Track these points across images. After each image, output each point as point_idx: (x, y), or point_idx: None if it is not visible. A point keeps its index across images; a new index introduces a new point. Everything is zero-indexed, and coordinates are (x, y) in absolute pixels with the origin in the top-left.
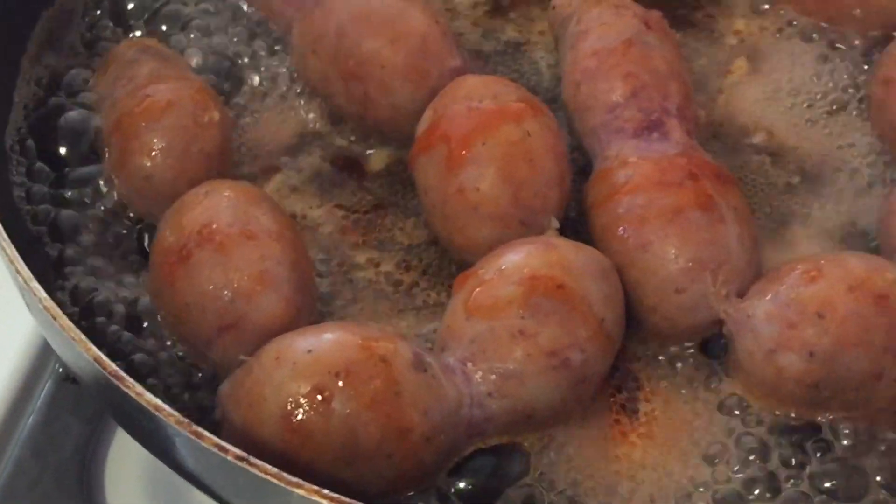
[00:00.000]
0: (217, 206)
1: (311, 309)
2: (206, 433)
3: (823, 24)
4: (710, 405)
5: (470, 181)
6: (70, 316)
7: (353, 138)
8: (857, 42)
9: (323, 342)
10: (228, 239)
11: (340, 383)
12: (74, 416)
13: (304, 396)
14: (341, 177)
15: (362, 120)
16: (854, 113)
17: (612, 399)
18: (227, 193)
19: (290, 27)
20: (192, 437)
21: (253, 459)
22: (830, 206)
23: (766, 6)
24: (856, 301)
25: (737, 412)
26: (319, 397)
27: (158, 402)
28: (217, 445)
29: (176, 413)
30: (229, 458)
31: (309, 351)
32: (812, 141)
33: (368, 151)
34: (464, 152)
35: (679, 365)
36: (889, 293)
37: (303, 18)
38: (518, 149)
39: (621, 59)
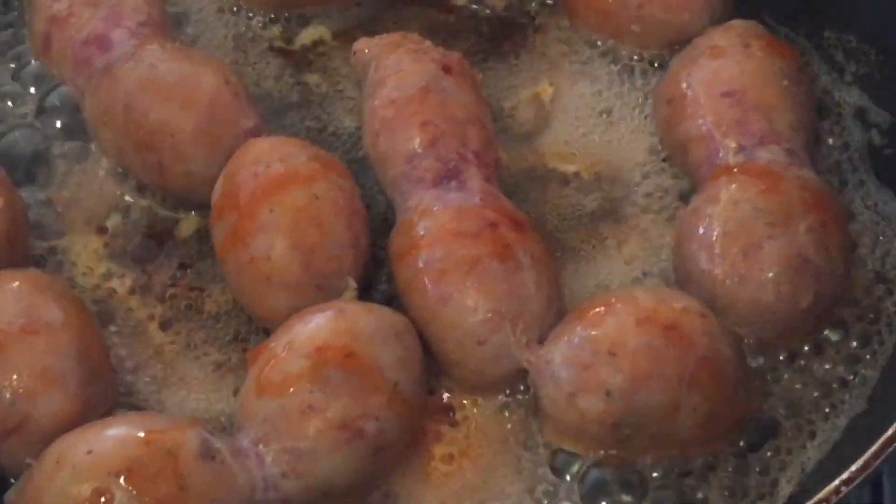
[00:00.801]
0: None
1: (105, 398)
2: None
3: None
4: (531, 455)
5: (260, 251)
6: None
7: (160, 205)
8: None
9: (104, 440)
10: (7, 337)
11: (122, 483)
12: None
13: (85, 502)
14: (150, 245)
15: (163, 189)
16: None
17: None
18: (10, 286)
19: (83, 97)
20: None
21: None
22: (647, 229)
23: (567, 25)
24: (645, 334)
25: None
26: (101, 501)
27: None
28: None
29: None
30: None
31: (89, 452)
32: (621, 162)
33: (181, 216)
34: (252, 221)
35: (503, 414)
36: (677, 323)
37: (92, 89)
38: (306, 213)
39: (419, 108)
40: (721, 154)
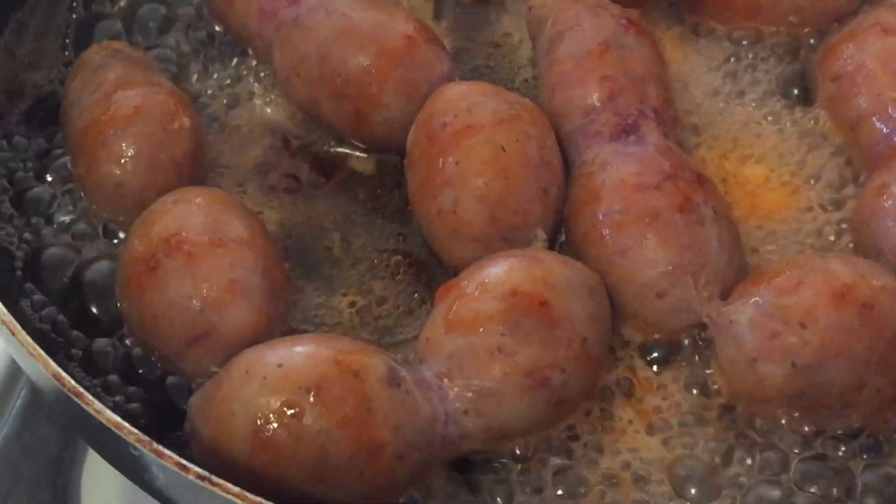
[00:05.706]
0: (186, 214)
1: (283, 318)
2: (168, 452)
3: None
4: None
5: (447, 204)
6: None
7: (333, 143)
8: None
9: (294, 356)
10: (197, 248)
11: (311, 399)
12: (50, 425)
13: (274, 412)
14: (320, 182)
15: (358, 137)
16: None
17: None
18: (197, 201)
19: (270, 50)
20: (153, 455)
21: (215, 479)
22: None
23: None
24: (839, 311)
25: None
26: (290, 413)
27: (118, 419)
28: (178, 464)
29: (136, 431)
30: (191, 477)
31: (280, 365)
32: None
33: (357, 154)
34: (438, 173)
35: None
36: (874, 302)
37: (282, 41)
38: (492, 166)
39: (597, 63)
40: None
